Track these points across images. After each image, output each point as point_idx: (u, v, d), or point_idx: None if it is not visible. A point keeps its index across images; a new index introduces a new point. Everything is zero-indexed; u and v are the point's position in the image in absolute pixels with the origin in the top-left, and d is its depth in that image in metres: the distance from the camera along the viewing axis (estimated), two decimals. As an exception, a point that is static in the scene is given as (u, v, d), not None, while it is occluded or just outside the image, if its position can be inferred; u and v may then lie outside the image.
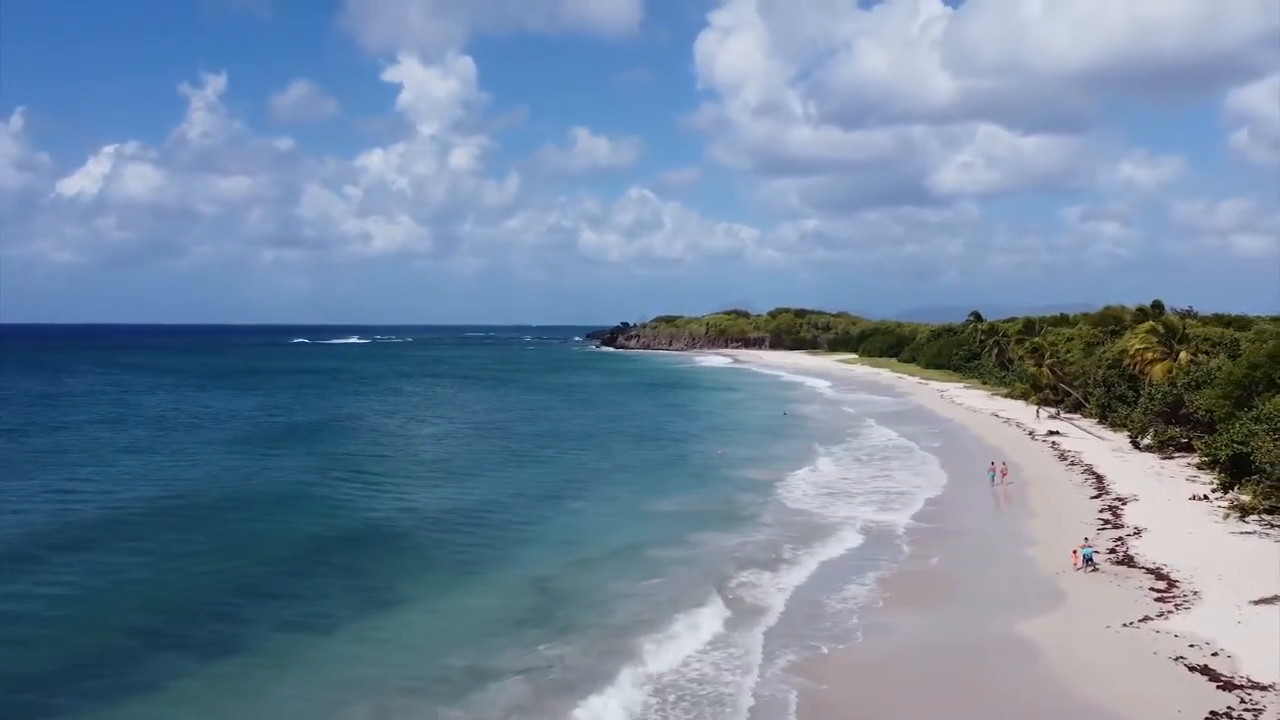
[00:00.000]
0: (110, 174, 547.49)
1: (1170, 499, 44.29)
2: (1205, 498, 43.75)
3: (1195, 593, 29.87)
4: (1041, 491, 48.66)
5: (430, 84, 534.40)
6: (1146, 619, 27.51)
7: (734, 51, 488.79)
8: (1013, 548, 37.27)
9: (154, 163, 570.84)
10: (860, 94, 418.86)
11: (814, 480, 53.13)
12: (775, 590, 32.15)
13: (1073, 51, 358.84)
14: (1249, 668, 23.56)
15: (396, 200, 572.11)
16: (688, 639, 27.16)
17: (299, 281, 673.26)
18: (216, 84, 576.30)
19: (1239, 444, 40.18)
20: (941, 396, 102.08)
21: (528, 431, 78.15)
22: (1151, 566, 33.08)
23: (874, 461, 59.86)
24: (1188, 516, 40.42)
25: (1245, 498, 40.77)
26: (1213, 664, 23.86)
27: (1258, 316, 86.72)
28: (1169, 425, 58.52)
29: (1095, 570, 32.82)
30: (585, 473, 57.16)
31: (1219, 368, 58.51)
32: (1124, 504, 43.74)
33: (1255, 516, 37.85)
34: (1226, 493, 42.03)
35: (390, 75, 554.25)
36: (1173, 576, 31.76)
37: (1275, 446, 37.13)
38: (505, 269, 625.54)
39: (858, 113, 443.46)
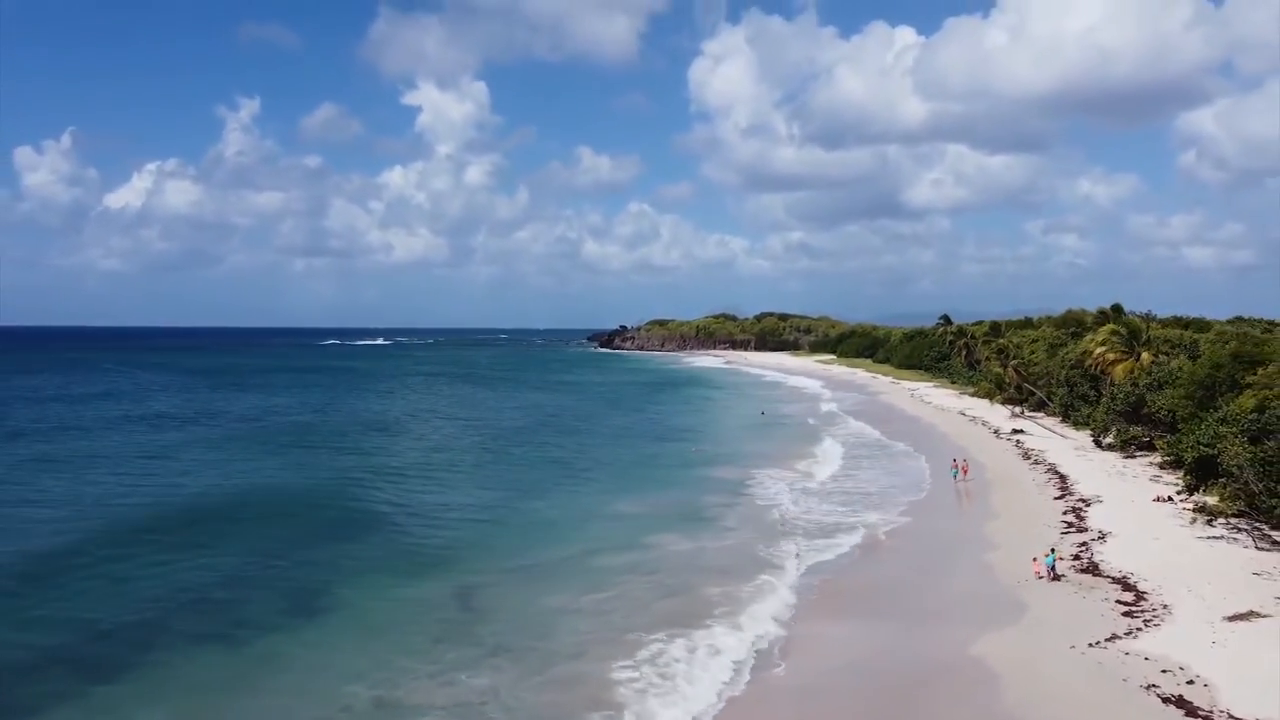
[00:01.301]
0: (153, 189, 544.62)
1: (1134, 500, 40.09)
2: (1170, 499, 39.57)
3: (1165, 606, 25.71)
4: (1004, 492, 44.42)
5: (446, 107, 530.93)
6: (1114, 637, 23.38)
7: (724, 77, 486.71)
8: (972, 553, 32.98)
9: (193, 179, 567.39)
10: (840, 116, 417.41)
11: (782, 479, 48.73)
12: (723, 603, 27.89)
13: (1034, 78, 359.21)
14: (1228, 698, 19.48)
15: (416, 213, 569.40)
16: (625, 665, 22.77)
17: (326, 288, 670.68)
18: (250, 107, 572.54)
19: (1205, 446, 35.96)
20: (912, 396, 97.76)
21: (509, 427, 73.98)
22: (1118, 575, 28.91)
23: (843, 460, 55.53)
24: (1153, 519, 36.23)
25: (1211, 500, 36.67)
26: (1188, 694, 19.77)
27: (1215, 320, 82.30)
28: (1131, 425, 54.31)
29: (1059, 579, 28.65)
30: (556, 469, 52.91)
31: (1180, 368, 54.33)
32: (1088, 505, 39.53)
33: (1222, 520, 33.68)
34: (1192, 495, 37.86)
35: (410, 99, 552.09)
36: (1140, 587, 27.61)
37: (1243, 449, 32.94)
38: (516, 276, 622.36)
39: (837, 133, 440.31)
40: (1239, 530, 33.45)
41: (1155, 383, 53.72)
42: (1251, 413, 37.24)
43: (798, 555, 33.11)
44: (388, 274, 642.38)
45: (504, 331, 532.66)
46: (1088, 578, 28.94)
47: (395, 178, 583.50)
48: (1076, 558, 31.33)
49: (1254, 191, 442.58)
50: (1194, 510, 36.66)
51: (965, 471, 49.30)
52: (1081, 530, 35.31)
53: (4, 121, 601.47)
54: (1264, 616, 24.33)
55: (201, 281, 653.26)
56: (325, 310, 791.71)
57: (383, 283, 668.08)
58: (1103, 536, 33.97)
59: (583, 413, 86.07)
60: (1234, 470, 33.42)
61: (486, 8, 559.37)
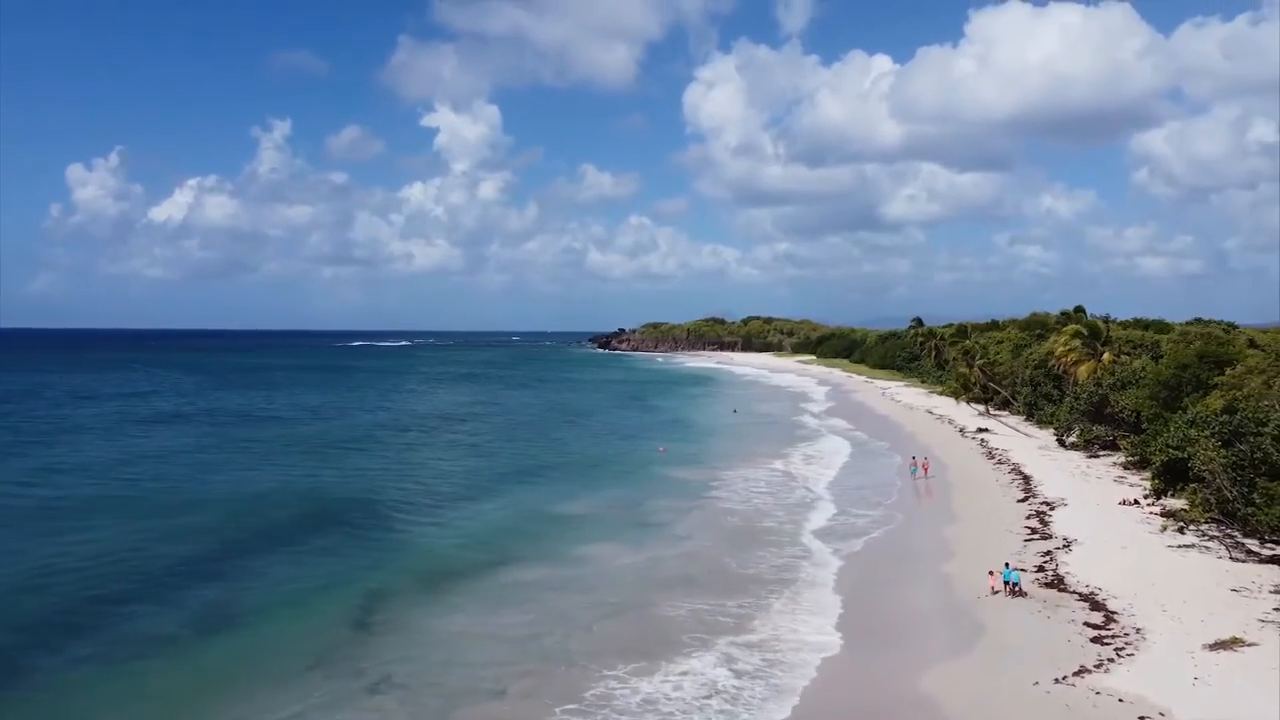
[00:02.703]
0: (193, 203, 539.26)
1: (1100, 503, 35.43)
2: (1136, 503, 34.95)
3: (1138, 630, 21.11)
4: (966, 493, 39.76)
5: (461, 128, 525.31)
6: (1083, 671, 18.79)
7: (716, 101, 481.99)
8: (927, 563, 28.31)
9: (230, 194, 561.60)
10: (822, 137, 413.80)
11: (745, 481, 44.06)
12: (667, 625, 23.30)
13: (999, 102, 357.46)
14: (1219, 755, 14.90)
15: (434, 225, 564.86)
16: (563, 707, 17.93)
17: (352, 294, 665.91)
18: (282, 128, 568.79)
19: (1174, 449, 31.31)
20: (883, 394, 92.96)
21: (485, 424, 69.04)
22: (1085, 592, 24.30)
23: (807, 460, 50.89)
24: (1120, 525, 31.59)
25: (1178, 503, 32.07)
26: (1172, 751, 15.17)
27: (1175, 323, 77.24)
28: (1094, 424, 49.66)
29: (1021, 596, 24.06)
30: (516, 467, 48.09)
31: (1142, 368, 49.70)
32: (1052, 509, 34.88)
33: (1193, 528, 29.05)
34: (1159, 498, 33.21)
35: (428, 121, 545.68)
36: (1110, 606, 23.00)
37: (1215, 453, 28.35)
38: (526, 283, 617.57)
39: (820, 153, 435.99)
40: (1210, 538, 28.87)
41: (1118, 382, 49.12)
42: (1222, 414, 32.70)
43: (750, 566, 28.51)
44: (408, 281, 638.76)
45: (517, 334, 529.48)
46: (1053, 593, 24.36)
47: (415, 193, 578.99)
48: (1041, 569, 26.74)
49: (1201, 207, 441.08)
50: (1163, 515, 32.13)
51: (926, 470, 44.93)
52: (1046, 537, 30.68)
53: (57, 141, 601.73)
54: (1249, 645, 19.75)
55: (238, 288, 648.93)
56: (351, 314, 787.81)
57: (403, 289, 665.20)
58: (1068, 544, 29.35)
59: (564, 410, 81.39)
60: (1206, 475, 28.83)
61: (497, 38, 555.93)
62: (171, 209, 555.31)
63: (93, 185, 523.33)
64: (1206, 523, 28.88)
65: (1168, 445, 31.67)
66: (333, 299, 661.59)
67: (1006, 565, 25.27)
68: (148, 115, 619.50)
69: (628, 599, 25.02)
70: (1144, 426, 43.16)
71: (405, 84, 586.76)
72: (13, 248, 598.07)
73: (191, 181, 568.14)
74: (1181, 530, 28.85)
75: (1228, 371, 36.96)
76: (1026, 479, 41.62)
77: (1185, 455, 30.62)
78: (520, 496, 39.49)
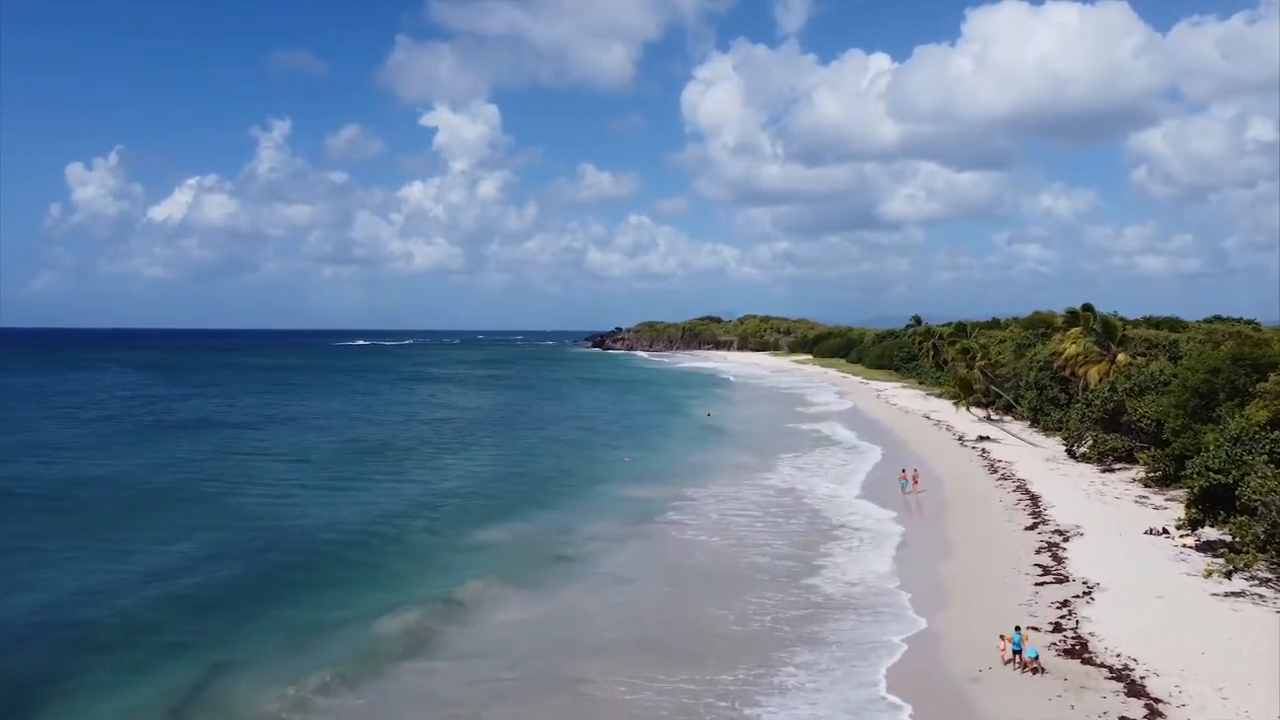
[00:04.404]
0: (193, 202, 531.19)
1: (1122, 533, 29.77)
2: (1165, 532, 29.32)
3: (1194, 731, 15.52)
4: (964, 514, 34.12)
5: (461, 128, 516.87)
6: (1126, 807, 13.17)
7: (714, 101, 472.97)
8: (914, 613, 22.72)
9: (229, 193, 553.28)
10: (820, 136, 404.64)
11: (711, 500, 38.27)
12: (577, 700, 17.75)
13: (996, 101, 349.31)
14: None
15: (433, 225, 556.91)
16: None
17: (352, 293, 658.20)
18: (281, 127, 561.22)
19: (1216, 472, 25.66)
20: (878, 397, 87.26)
21: (445, 431, 62.91)
22: (1117, 665, 18.69)
23: (783, 474, 45.16)
24: (1150, 564, 25.96)
25: (1215, 533, 26.55)
26: None
27: (1191, 321, 71.12)
28: (1108, 434, 44.03)
29: (1036, 673, 18.43)
30: (460, 483, 42.17)
31: (1160, 371, 44.03)
32: (1066, 540, 29.23)
33: (1243, 571, 23.43)
34: (1194, 530, 27.59)
35: (427, 120, 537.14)
36: (1151, 689, 17.41)
37: (1275, 480, 22.76)
38: (526, 283, 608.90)
39: (818, 152, 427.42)
40: (1261, 581, 23.31)
41: (1136, 388, 43.48)
42: (1270, 428, 27.14)
43: (702, 623, 22.89)
44: (408, 280, 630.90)
45: (520, 333, 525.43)
46: (1075, 667, 18.75)
47: (414, 192, 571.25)
48: (1057, 626, 21.13)
49: (1199, 205, 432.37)
50: (1198, 549, 26.59)
51: (916, 483, 39.40)
52: (1061, 579, 25.04)
53: (57, 141, 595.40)
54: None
55: (239, 287, 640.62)
56: (351, 313, 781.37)
57: (404, 288, 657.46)
58: (1089, 591, 23.73)
59: (536, 415, 75.73)
60: (1259, 506, 23.27)
61: (495, 37, 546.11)
62: (171, 208, 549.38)
63: (92, 185, 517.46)
64: (1266, 564, 23.34)
65: (1208, 468, 26.02)
66: (332, 298, 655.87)
67: (1017, 629, 19.61)
68: (147, 115, 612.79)
69: (538, 671, 19.39)
70: (1167, 438, 37.61)
71: (404, 83, 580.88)
72: (13, 247, 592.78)
73: (191, 181, 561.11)
74: (1229, 575, 23.22)
75: (1271, 378, 31.27)
76: (1034, 499, 36.00)
77: (1231, 480, 25.07)
78: (458, 524, 33.61)
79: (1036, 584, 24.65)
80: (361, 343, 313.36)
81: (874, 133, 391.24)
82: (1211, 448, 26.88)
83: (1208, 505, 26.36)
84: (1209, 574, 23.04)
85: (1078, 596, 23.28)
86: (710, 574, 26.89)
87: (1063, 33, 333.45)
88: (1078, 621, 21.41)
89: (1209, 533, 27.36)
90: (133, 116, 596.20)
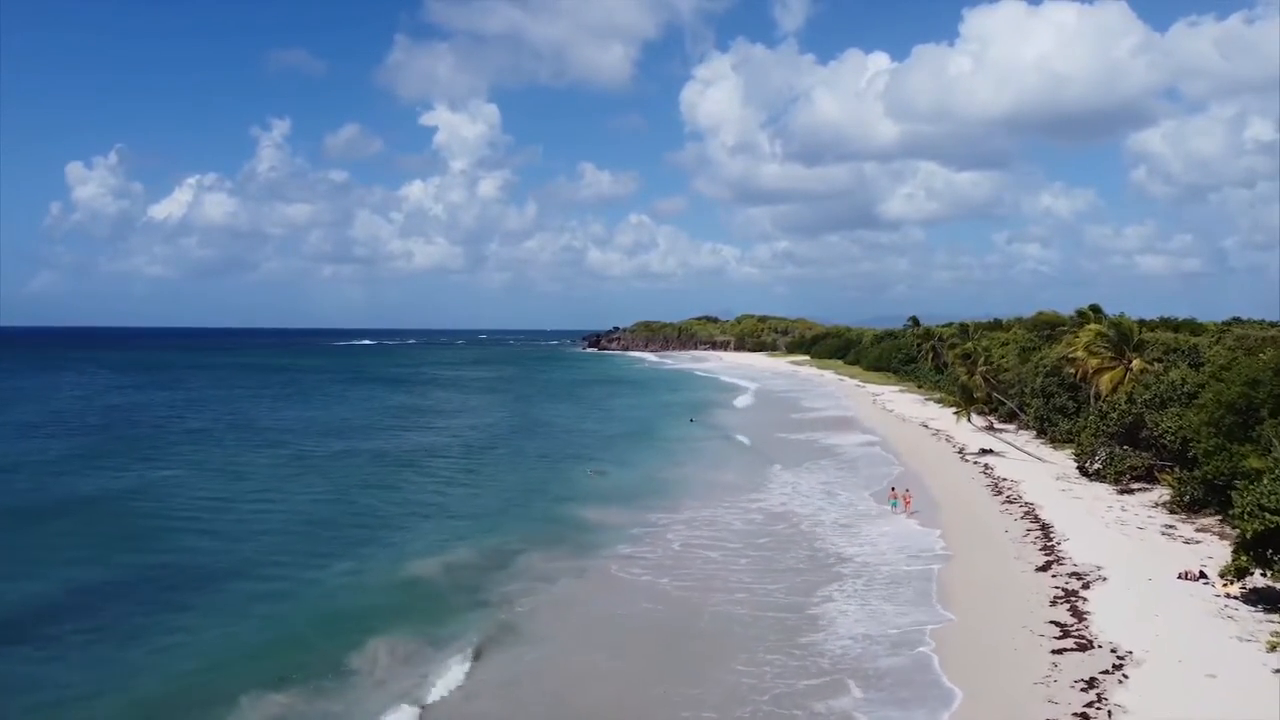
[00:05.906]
0: (193, 201, 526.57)
1: (1152, 577, 24.98)
2: (1202, 575, 24.57)
3: None
4: (965, 549, 29.34)
5: (460, 127, 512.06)
6: None
7: (713, 100, 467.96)
8: (907, 699, 17.92)
9: (229, 192, 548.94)
10: (819, 136, 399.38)
11: (678, 530, 33.56)
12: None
13: (995, 101, 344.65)
14: None
15: (433, 224, 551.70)
16: None
17: (352, 292, 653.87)
18: (281, 126, 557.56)
19: (1274, 513, 20.88)
20: (874, 402, 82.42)
21: (406, 441, 57.96)
22: (1169, 793, 13.93)
23: (764, 495, 40.44)
24: (1193, 624, 21.17)
25: (1265, 580, 21.85)
26: None
27: (1209, 323, 65.94)
28: (1124, 449, 39.29)
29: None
30: (400, 503, 37.50)
31: (1183, 380, 39.22)
32: (1087, 587, 24.46)
33: (1313, 639, 18.69)
34: (1241, 578, 22.80)
35: (427, 120, 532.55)
36: (1221, 836, 12.63)
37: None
38: (526, 282, 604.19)
39: (817, 152, 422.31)
40: (1337, 653, 18.53)
41: (1157, 399, 38.73)
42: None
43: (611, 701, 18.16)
44: (408, 279, 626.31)
45: (521, 333, 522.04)
46: (1112, 791, 14.01)
47: (414, 191, 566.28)
48: (1083, 720, 16.39)
49: (1199, 205, 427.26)
50: (1244, 599, 21.84)
51: (908, 504, 34.89)
52: (1082, 643, 20.27)
53: (57, 139, 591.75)
54: None
55: (239, 285, 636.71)
56: (352, 312, 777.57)
57: (404, 287, 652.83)
58: (1120, 664, 18.94)
59: (510, 423, 70.98)
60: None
61: (494, 37, 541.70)
62: (171, 207, 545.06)
63: (92, 183, 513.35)
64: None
65: (1262, 507, 21.23)
66: (332, 297, 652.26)
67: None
68: (147, 114, 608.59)
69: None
70: (1194, 455, 32.88)
71: (403, 83, 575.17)
72: (13, 246, 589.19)
73: (191, 180, 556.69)
74: (1297, 645, 18.46)
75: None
76: (1045, 529, 31.22)
77: (1292, 523, 20.31)
78: (389, 551, 29.04)
79: (1054, 652, 19.88)
80: (367, 342, 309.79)
81: (873, 132, 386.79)
82: (1266, 481, 22.06)
83: (1261, 551, 21.63)
84: (1273, 647, 18.29)
85: (1107, 672, 18.49)
86: (663, 631, 22.14)
87: (1061, 32, 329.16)
88: (1109, 712, 16.67)
89: (1256, 578, 22.68)
90: (133, 115, 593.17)
